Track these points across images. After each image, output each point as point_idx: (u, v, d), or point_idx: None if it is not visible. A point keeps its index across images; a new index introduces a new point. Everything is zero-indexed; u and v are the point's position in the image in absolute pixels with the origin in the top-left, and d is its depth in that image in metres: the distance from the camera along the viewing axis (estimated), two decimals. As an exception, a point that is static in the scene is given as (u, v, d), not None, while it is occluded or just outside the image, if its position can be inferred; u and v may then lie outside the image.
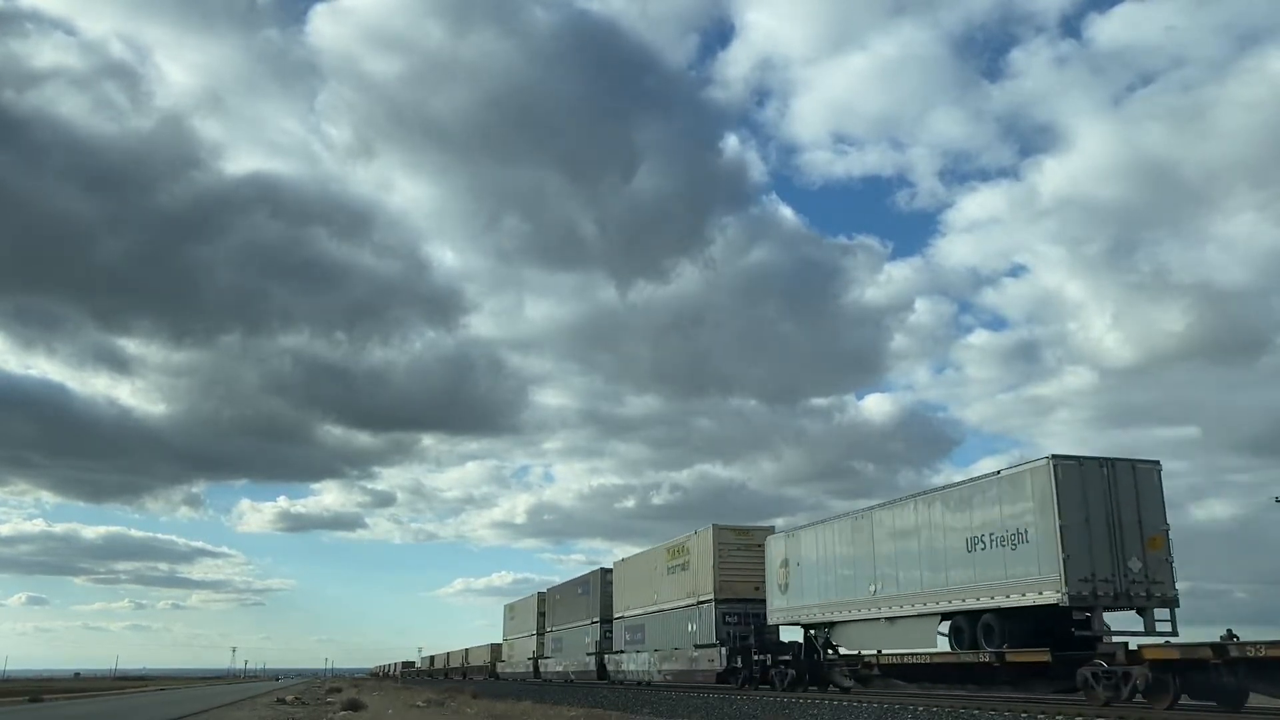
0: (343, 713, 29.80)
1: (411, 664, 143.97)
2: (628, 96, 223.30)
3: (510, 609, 70.71)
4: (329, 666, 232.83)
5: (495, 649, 74.86)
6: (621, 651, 42.63)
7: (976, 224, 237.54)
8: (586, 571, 49.74)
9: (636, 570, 42.01)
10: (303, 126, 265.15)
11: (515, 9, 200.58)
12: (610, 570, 46.26)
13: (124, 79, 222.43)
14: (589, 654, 47.01)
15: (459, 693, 44.13)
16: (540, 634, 58.70)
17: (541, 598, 59.09)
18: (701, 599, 33.95)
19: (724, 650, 31.78)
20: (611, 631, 44.64)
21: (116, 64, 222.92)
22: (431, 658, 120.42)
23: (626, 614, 42.51)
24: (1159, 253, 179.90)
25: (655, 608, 38.50)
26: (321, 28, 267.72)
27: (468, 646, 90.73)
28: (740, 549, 33.53)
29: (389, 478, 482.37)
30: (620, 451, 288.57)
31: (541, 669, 56.71)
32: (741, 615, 32.72)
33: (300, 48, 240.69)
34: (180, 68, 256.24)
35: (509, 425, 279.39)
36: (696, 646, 34.09)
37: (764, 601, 30.61)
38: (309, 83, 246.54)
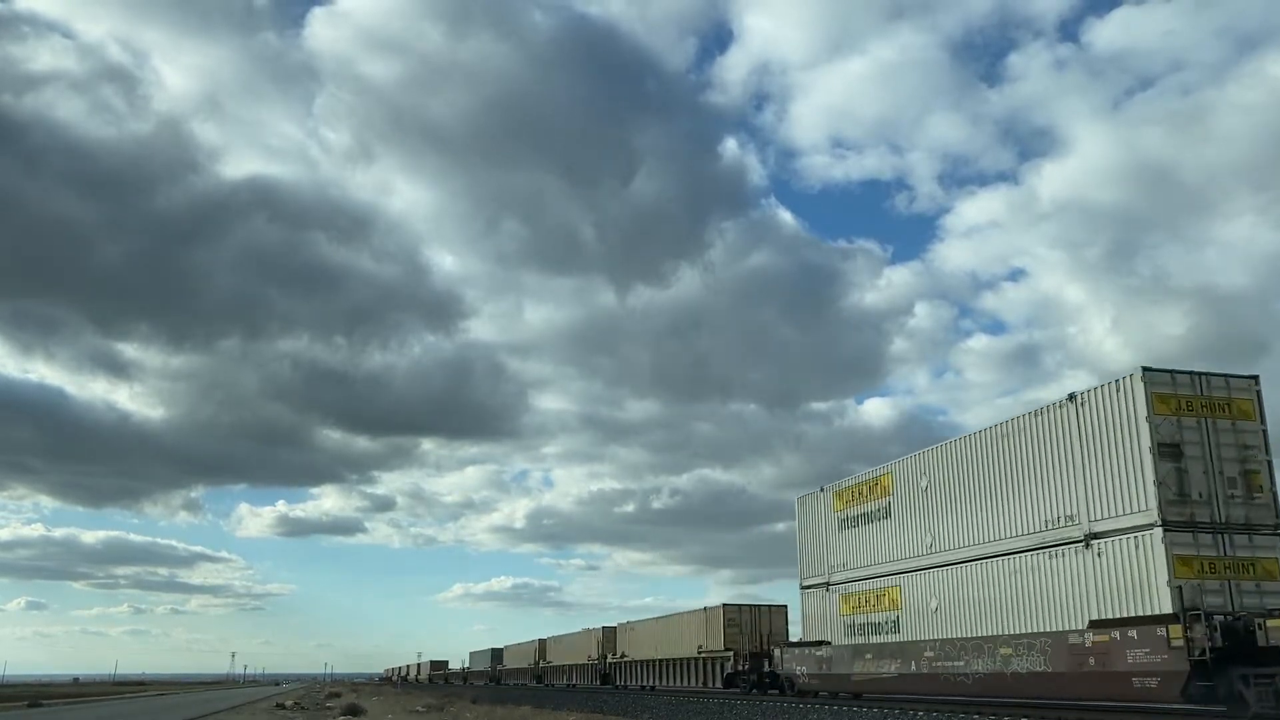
0: (342, 718, 29.34)
1: (443, 664, 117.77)
2: (626, 100, 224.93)
3: (828, 500, 28.73)
4: (328, 671, 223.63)
5: (711, 620, 39.84)
6: None
7: (976, 228, 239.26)
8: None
9: None
10: (301, 130, 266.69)
11: (514, 12, 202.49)
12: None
13: (122, 82, 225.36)
14: None
15: (458, 698, 40.98)
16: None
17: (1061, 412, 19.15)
18: None
19: None
20: None
21: (114, 67, 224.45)
22: (498, 651, 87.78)
23: None
24: (1158, 256, 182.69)
25: None
26: (319, 31, 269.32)
27: (639, 619, 50.72)
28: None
29: (388, 482, 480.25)
30: (620, 456, 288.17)
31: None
32: None
33: (298, 51, 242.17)
34: (178, 71, 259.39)
35: (508, 430, 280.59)
36: None
37: None
38: (307, 86, 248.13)
